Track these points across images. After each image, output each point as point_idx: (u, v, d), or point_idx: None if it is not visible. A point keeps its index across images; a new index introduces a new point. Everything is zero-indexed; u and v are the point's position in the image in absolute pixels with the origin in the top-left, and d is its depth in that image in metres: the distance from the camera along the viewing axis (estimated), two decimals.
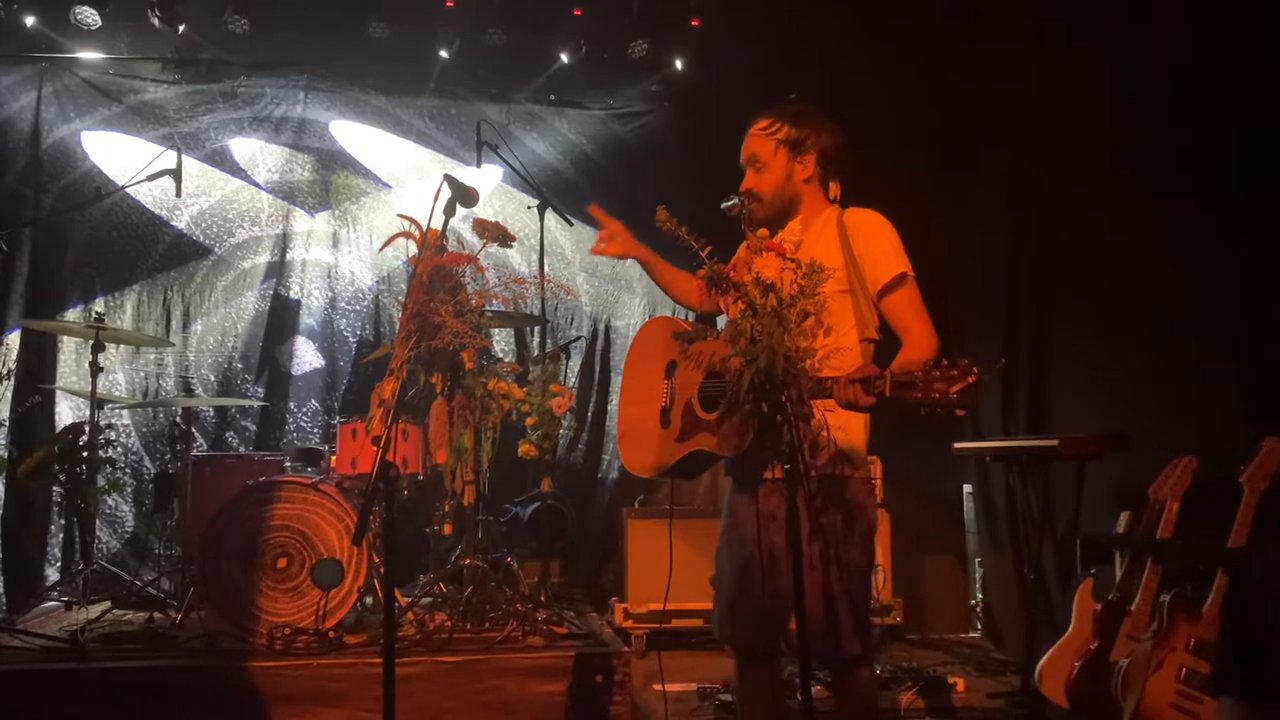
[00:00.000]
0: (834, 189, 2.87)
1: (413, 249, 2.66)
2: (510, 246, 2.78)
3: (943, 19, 5.65)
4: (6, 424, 5.77)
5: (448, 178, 2.63)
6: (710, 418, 2.70)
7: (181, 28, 5.91)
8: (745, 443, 2.57)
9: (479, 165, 5.46)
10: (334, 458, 5.01)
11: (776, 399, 2.24)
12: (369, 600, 4.67)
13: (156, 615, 4.72)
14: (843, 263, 2.66)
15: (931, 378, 2.19)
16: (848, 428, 2.61)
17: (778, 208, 2.81)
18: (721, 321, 3.03)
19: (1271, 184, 3.76)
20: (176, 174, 4.96)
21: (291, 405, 6.49)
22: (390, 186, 6.76)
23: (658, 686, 4.63)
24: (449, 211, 2.60)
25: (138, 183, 5.10)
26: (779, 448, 2.31)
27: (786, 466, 2.28)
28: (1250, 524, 3.42)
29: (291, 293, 6.59)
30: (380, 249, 2.70)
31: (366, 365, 6.42)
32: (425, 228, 2.54)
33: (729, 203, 2.76)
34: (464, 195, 2.62)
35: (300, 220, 6.68)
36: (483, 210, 4.94)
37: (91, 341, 4.93)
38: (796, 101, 2.94)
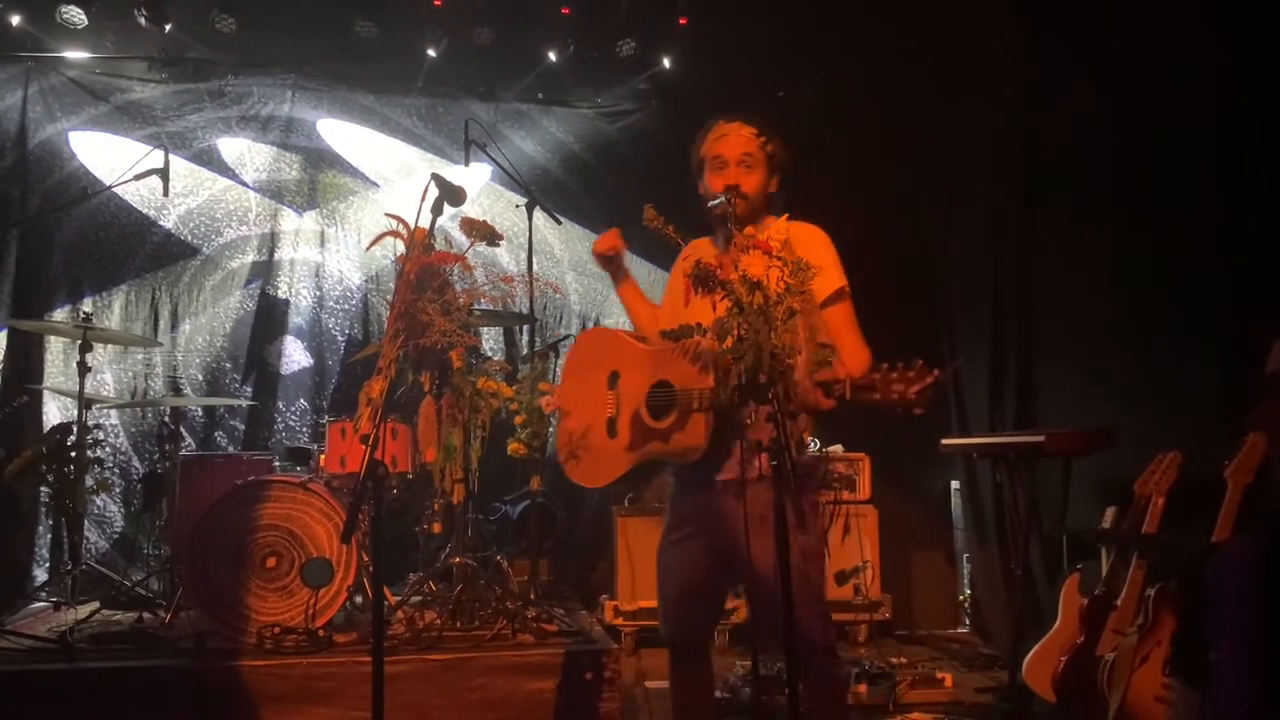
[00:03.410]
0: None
1: (401, 248, 2.67)
2: (498, 245, 2.79)
3: (929, 22, 5.67)
4: None
5: (435, 176, 2.63)
6: (660, 425, 2.78)
7: (168, 27, 5.87)
8: (700, 450, 2.67)
9: (467, 164, 5.47)
10: (323, 457, 5.00)
11: (764, 396, 2.25)
12: (358, 599, 4.67)
13: (145, 615, 4.73)
14: None
15: (889, 379, 2.27)
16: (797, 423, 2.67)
17: (754, 210, 2.87)
18: None
19: (1250, 188, 3.80)
20: (164, 173, 4.95)
21: (280, 404, 6.47)
22: (378, 185, 6.75)
23: (647, 683, 4.65)
24: (436, 210, 2.60)
25: (125, 182, 5.09)
26: (760, 445, 2.34)
27: (774, 463, 2.30)
28: (1234, 518, 3.45)
29: (279, 292, 6.58)
30: (368, 248, 2.71)
31: (355, 364, 6.40)
32: (413, 226, 2.55)
33: (715, 201, 2.78)
34: (451, 194, 2.62)
35: (288, 219, 6.66)
36: (471, 209, 4.92)
37: (79, 342, 4.92)
38: (769, 114, 2.98)
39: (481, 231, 2.67)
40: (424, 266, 2.50)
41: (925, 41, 5.75)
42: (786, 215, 2.61)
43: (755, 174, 2.88)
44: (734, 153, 2.89)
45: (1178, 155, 4.14)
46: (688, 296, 2.61)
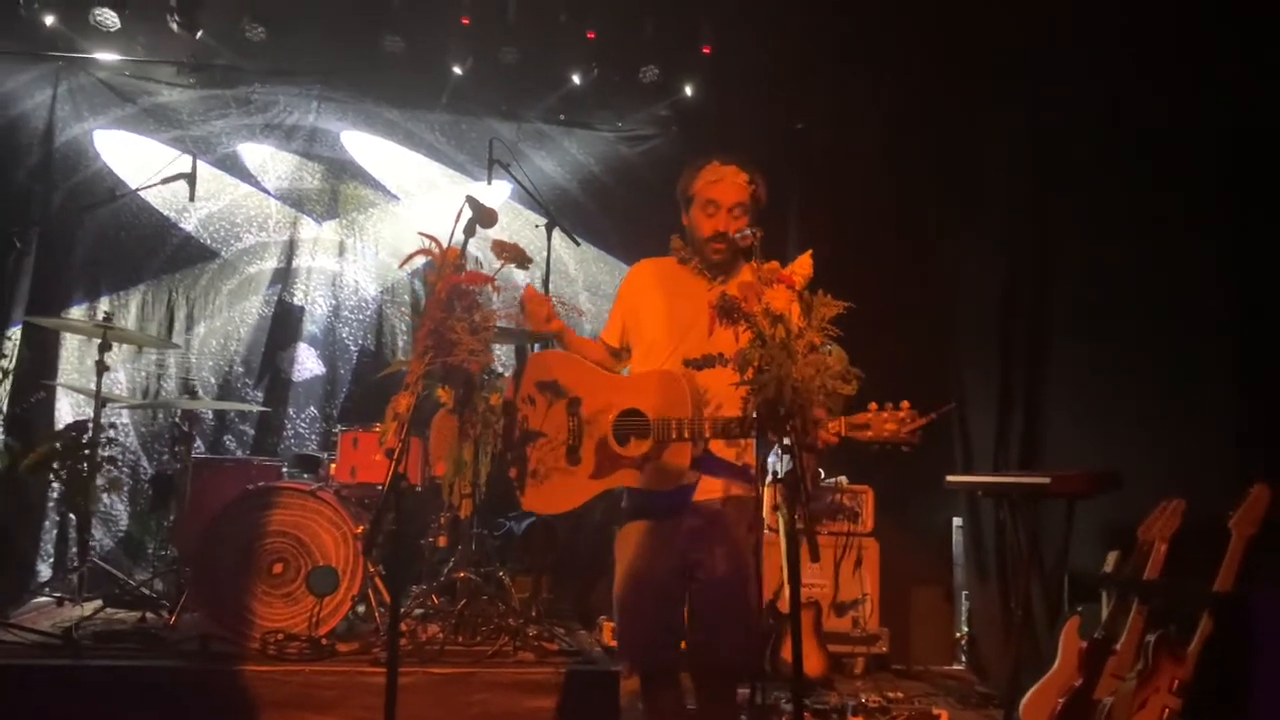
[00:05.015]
0: None
1: (419, 262, 2.72)
2: (527, 268, 2.84)
3: (945, 51, 5.73)
4: (2, 416, 5.77)
5: (469, 199, 2.68)
6: (631, 454, 2.83)
7: (199, 33, 5.95)
8: (683, 478, 2.77)
9: (490, 182, 5.52)
10: (333, 466, 5.04)
11: (782, 428, 2.30)
12: (361, 609, 4.70)
13: (149, 615, 4.76)
14: None
15: (881, 419, 2.50)
16: (747, 450, 2.77)
17: (737, 256, 2.94)
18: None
19: (1267, 225, 3.83)
20: (191, 178, 5.02)
21: (290, 411, 6.50)
22: (399, 199, 6.82)
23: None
24: (469, 232, 2.67)
25: (153, 185, 5.15)
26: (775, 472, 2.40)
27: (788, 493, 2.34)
28: (1236, 568, 3.49)
29: (295, 299, 6.63)
30: (401, 265, 2.69)
31: (367, 374, 6.46)
32: (445, 246, 2.60)
33: (742, 233, 2.83)
34: (484, 216, 2.68)
35: (307, 228, 6.72)
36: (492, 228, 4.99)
37: (98, 341, 4.97)
38: (752, 160, 3.03)
39: (512, 254, 2.71)
40: (454, 286, 2.55)
41: (940, 70, 5.80)
42: (810, 251, 2.66)
43: (742, 221, 2.95)
44: (728, 200, 2.96)
45: (1193, 195, 4.18)
46: (711, 327, 2.66)
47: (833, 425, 2.51)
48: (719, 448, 2.86)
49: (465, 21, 6.17)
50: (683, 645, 2.98)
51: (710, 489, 2.89)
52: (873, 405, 2.53)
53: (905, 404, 2.51)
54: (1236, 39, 3.98)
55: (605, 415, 2.90)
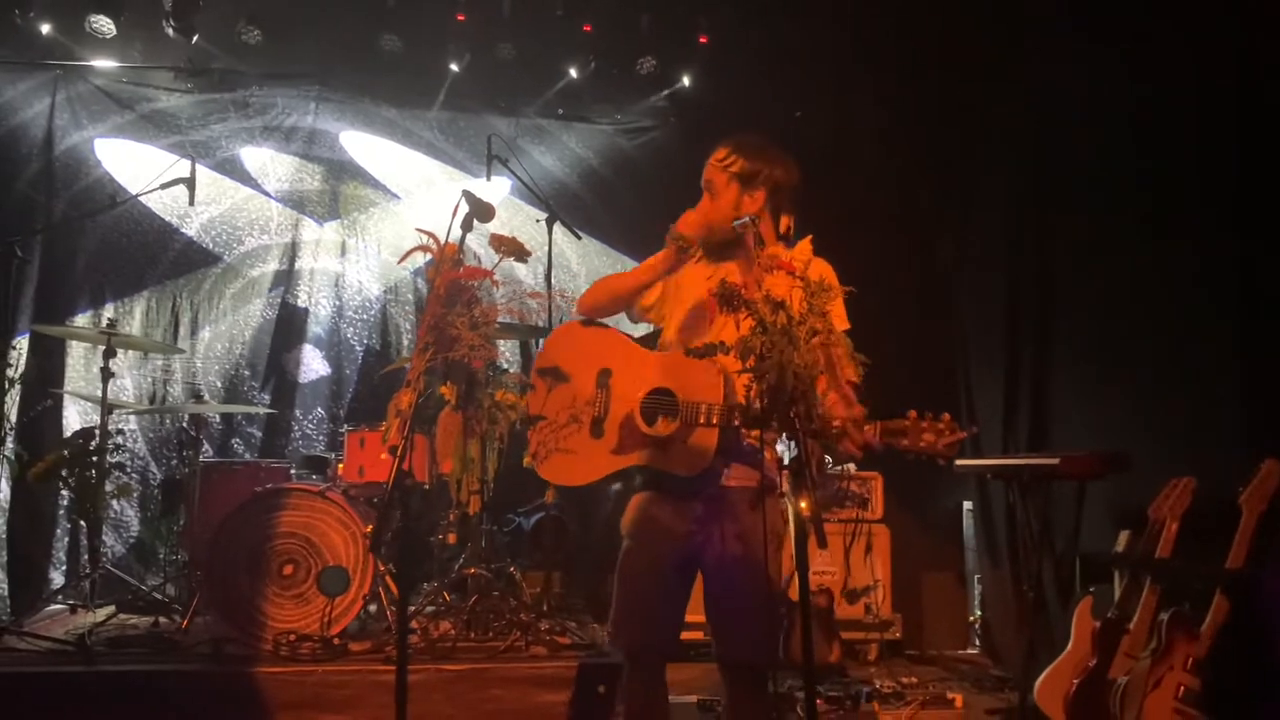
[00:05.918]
0: (785, 222, 2.93)
1: (420, 260, 2.71)
2: (525, 261, 2.83)
3: (944, 39, 5.71)
4: (11, 425, 5.77)
5: (466, 193, 2.68)
6: (656, 433, 2.78)
7: (195, 37, 5.94)
8: (705, 465, 2.70)
9: (489, 178, 5.51)
10: (341, 466, 5.04)
11: (785, 414, 2.29)
12: (372, 608, 4.71)
13: (161, 620, 4.77)
14: None
15: (920, 428, 2.43)
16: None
17: (721, 237, 2.88)
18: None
19: (1272, 211, 3.81)
20: (190, 183, 5.01)
21: (297, 413, 6.51)
22: (399, 197, 6.81)
23: None
24: (466, 226, 2.66)
25: (152, 191, 5.15)
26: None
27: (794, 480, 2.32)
28: (1248, 545, 3.47)
29: (299, 301, 6.63)
30: (400, 261, 2.66)
31: (373, 374, 6.46)
32: (443, 242, 2.59)
33: (740, 221, 2.82)
34: (482, 211, 2.68)
35: (309, 229, 6.72)
36: (491, 223, 4.99)
37: (103, 348, 4.98)
38: (756, 133, 3.01)
39: (510, 248, 2.70)
40: (453, 282, 2.54)
41: (939, 59, 5.77)
42: (810, 236, 2.64)
43: (716, 199, 2.91)
44: (703, 181, 2.95)
45: (1199, 173, 4.15)
46: (712, 315, 2.65)
47: (868, 429, 2.46)
48: (747, 435, 2.78)
49: (461, 18, 6.16)
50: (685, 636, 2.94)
51: (729, 475, 2.83)
52: (912, 413, 2.45)
53: (946, 416, 2.44)
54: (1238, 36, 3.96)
55: (635, 391, 2.84)
